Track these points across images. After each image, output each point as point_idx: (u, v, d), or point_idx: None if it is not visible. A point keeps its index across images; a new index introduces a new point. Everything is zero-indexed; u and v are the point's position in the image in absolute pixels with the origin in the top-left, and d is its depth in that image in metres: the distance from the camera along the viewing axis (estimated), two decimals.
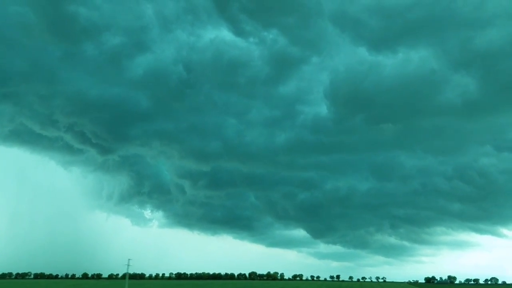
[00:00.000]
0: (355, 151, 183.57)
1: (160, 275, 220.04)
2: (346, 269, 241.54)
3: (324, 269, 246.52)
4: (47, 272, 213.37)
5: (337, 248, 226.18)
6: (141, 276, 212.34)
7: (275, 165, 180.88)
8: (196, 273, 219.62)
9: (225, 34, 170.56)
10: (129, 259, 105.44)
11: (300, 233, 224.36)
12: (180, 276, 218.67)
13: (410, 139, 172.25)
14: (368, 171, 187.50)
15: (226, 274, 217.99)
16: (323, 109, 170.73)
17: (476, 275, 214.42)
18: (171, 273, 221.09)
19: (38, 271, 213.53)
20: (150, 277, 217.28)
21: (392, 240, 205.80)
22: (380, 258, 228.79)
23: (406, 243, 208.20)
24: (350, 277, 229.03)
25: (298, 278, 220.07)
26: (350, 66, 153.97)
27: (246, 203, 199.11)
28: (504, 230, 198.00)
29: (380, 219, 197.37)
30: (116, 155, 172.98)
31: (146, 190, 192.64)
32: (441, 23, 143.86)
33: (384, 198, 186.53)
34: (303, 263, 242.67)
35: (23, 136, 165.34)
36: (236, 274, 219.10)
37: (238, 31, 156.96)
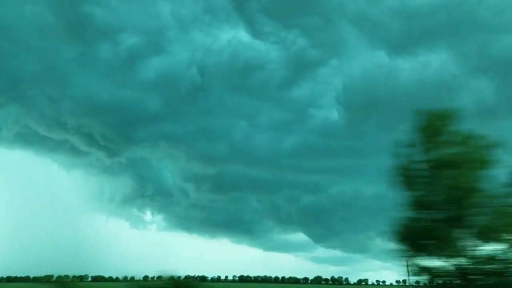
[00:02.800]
0: (365, 155, 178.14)
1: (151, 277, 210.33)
2: (342, 274, 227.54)
3: (319, 273, 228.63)
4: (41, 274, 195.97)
5: (336, 253, 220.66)
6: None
7: (281, 169, 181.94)
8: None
9: (243, 35, 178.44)
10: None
11: (299, 237, 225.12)
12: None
13: None
14: (376, 175, 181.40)
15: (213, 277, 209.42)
16: (334, 113, 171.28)
17: None
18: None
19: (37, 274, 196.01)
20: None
21: (393, 244, 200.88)
22: (377, 263, 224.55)
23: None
24: (418, 281, 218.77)
25: (363, 283, 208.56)
26: (367, 70, 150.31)
27: (249, 207, 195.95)
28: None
29: (382, 223, 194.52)
30: (123, 158, 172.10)
31: (149, 193, 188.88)
32: (462, 27, 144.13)
33: (388, 202, 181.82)
34: (298, 268, 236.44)
35: (28, 139, 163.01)
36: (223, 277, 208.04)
37: (257, 32, 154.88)
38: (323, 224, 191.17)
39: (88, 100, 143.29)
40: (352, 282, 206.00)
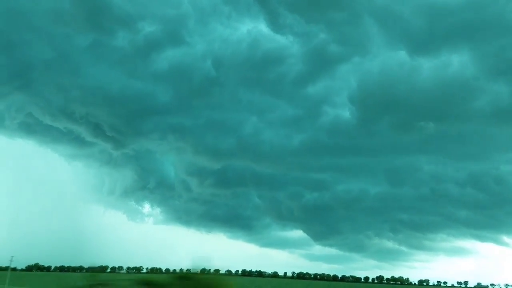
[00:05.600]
0: (375, 155, 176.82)
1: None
2: (334, 272, 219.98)
3: (311, 270, 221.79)
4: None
5: (332, 251, 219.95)
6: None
7: (288, 166, 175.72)
8: (181, 269, 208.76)
9: (262, 28, 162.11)
10: None
11: (297, 234, 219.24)
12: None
13: (434, 145, 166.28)
14: (383, 175, 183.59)
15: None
16: (346, 112, 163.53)
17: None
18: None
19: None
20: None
21: (390, 244, 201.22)
22: (372, 262, 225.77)
23: (404, 248, 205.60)
24: (478, 283, 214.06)
25: (424, 283, 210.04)
26: (385, 68, 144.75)
27: (250, 202, 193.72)
28: (506, 238, 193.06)
29: (382, 223, 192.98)
30: (129, 149, 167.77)
31: (151, 186, 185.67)
32: (487, 27, 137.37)
33: (391, 203, 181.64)
34: (291, 264, 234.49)
35: (34, 128, 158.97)
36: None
37: (277, 26, 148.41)
38: (323, 222, 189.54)
39: (98, 90, 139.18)
40: (413, 282, 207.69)
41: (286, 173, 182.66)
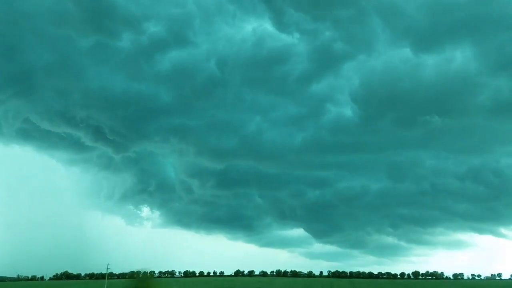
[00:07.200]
0: (377, 152, 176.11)
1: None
2: (333, 269, 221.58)
3: (311, 269, 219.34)
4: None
5: (332, 248, 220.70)
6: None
7: (290, 164, 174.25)
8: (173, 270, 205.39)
9: (268, 27, 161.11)
10: None
11: (297, 233, 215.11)
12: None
13: (435, 140, 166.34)
14: (385, 171, 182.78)
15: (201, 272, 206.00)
16: (348, 109, 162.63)
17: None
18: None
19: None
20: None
21: (390, 240, 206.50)
22: (371, 258, 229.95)
23: (403, 243, 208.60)
24: None
25: (459, 277, 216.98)
26: (390, 66, 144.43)
27: (252, 202, 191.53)
28: (503, 230, 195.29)
29: (382, 219, 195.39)
30: (131, 152, 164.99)
31: (151, 188, 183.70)
32: (489, 23, 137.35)
33: (391, 198, 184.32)
34: (290, 263, 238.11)
35: (32, 134, 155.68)
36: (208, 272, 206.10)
37: (283, 25, 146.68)
38: (325, 219, 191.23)
39: (100, 92, 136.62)
40: (447, 276, 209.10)
41: (288, 171, 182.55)
